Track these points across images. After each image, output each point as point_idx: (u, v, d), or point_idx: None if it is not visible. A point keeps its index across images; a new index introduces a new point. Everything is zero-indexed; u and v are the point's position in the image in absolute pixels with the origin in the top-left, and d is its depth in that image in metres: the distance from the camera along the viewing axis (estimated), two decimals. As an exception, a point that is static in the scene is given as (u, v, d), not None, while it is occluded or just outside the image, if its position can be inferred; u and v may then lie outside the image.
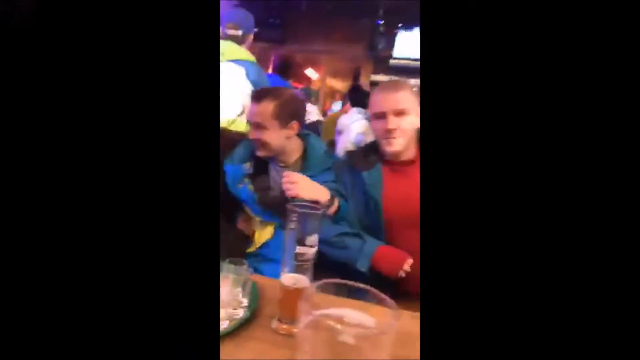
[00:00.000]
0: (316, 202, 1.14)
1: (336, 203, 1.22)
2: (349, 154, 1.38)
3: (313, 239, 0.67)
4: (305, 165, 1.37)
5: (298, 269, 0.68)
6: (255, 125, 1.31)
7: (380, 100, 1.24)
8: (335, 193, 1.25)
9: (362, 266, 1.13)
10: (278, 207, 1.27)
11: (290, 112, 1.31)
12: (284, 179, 1.17)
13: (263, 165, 1.40)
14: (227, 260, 0.76)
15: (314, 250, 0.68)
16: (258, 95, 1.32)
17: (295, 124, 1.32)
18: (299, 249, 0.66)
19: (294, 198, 1.13)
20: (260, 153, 1.35)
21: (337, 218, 1.23)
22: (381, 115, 1.22)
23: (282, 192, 1.30)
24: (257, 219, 1.39)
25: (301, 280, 0.68)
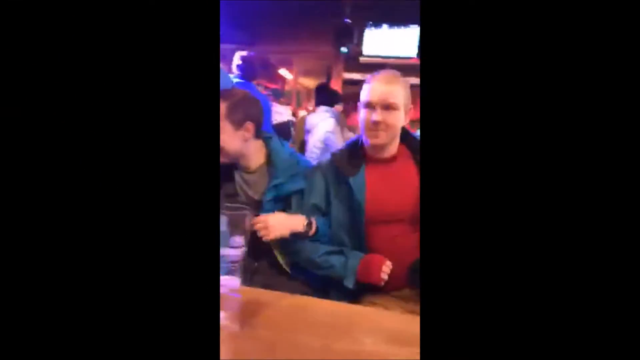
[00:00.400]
0: (296, 232, 1.14)
1: (314, 225, 1.20)
2: (333, 157, 1.32)
3: (239, 240, 0.67)
4: (270, 171, 1.32)
5: (228, 271, 0.68)
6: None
7: (371, 91, 1.21)
8: (312, 208, 1.23)
9: (349, 283, 1.14)
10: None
11: (243, 112, 1.27)
12: (256, 227, 1.10)
13: (228, 171, 1.36)
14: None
15: (242, 250, 0.68)
16: (224, 94, 1.25)
17: (250, 125, 1.27)
18: (227, 251, 0.66)
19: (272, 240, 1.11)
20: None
21: (318, 236, 1.21)
22: (370, 106, 1.20)
23: (249, 197, 1.28)
24: None
25: (231, 282, 0.68)
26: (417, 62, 4.69)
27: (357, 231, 1.22)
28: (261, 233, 1.09)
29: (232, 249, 0.66)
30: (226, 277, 0.69)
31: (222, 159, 1.28)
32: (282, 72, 5.39)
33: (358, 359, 0.66)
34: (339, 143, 2.67)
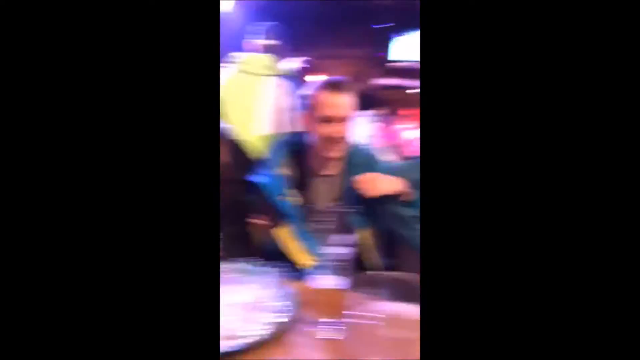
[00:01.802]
0: (400, 192, 1.06)
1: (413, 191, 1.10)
2: None
3: (350, 238, 0.65)
4: (350, 174, 1.14)
5: (336, 270, 0.67)
6: (331, 119, 1.11)
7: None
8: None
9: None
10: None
11: (361, 108, 1.18)
12: (361, 185, 1.04)
13: (307, 174, 1.20)
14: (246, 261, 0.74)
15: (349, 250, 0.66)
16: (334, 85, 1.14)
17: None
18: (339, 250, 0.65)
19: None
20: (334, 153, 1.14)
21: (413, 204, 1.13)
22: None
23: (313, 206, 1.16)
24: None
25: (339, 282, 0.66)
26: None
27: None
28: (367, 188, 1.02)
29: (344, 247, 0.65)
30: (333, 276, 0.67)
31: (338, 155, 1.14)
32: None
33: None
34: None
